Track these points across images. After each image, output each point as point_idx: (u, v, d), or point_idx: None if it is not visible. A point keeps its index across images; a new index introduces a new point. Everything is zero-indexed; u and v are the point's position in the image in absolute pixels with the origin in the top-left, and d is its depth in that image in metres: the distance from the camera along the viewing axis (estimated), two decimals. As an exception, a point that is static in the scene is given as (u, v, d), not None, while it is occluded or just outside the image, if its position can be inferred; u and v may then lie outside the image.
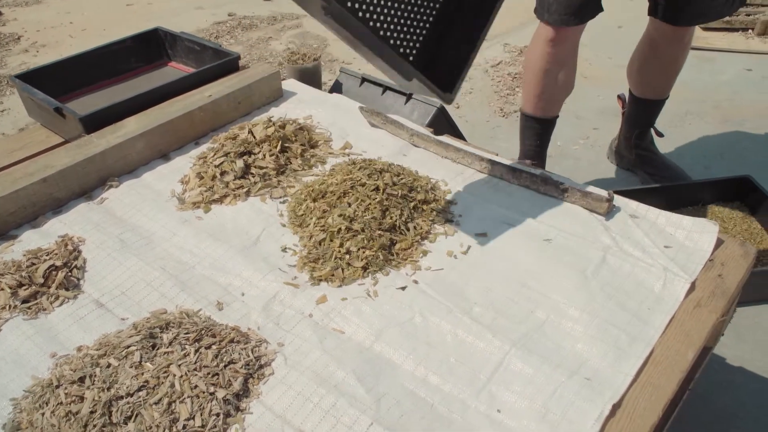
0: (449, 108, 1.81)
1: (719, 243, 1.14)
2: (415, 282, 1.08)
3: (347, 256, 1.11)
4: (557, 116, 2.01)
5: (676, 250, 1.12)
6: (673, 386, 0.90)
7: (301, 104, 1.63)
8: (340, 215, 1.15)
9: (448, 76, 1.04)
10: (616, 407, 0.87)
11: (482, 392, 0.90)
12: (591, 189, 1.23)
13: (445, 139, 1.44)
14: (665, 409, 0.88)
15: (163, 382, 0.87)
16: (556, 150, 2.35)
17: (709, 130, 2.43)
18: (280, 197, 1.29)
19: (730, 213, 1.92)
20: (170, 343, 0.93)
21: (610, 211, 1.21)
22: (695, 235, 1.15)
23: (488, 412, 0.87)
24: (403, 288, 1.07)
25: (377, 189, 1.20)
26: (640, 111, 2.15)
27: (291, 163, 1.38)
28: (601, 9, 1.78)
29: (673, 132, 2.36)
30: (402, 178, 1.25)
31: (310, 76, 1.85)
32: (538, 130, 2.03)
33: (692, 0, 1.76)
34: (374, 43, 0.96)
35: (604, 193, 1.22)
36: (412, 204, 1.21)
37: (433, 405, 0.89)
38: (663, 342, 0.97)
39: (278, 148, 1.37)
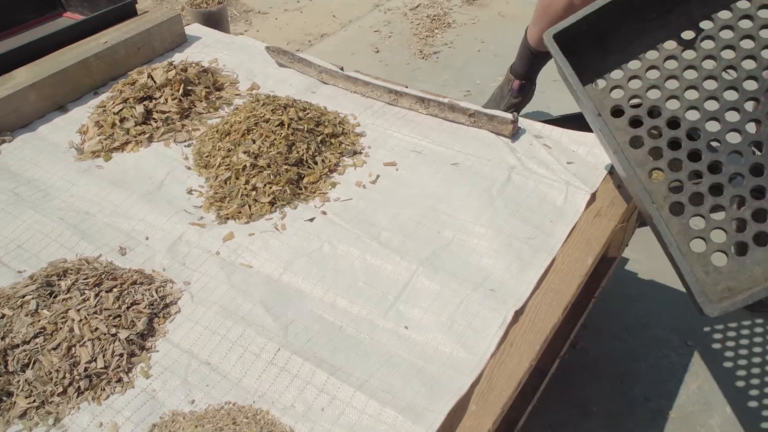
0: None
1: (619, 156, 1.17)
2: (324, 213, 1.08)
3: (253, 193, 1.09)
4: None
5: (578, 166, 1.15)
6: (573, 290, 0.93)
7: (207, 48, 1.58)
8: (244, 152, 1.13)
9: None
10: (518, 314, 0.90)
11: (390, 311, 0.91)
12: (496, 113, 1.25)
13: (354, 74, 1.42)
14: (565, 312, 0.91)
15: (61, 328, 0.84)
16: (475, 88, 2.36)
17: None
18: (185, 141, 1.25)
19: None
20: (68, 290, 0.90)
21: (515, 133, 1.23)
22: (596, 150, 1.18)
23: (396, 329, 0.89)
24: (312, 220, 1.06)
25: (282, 124, 1.17)
26: None
27: (195, 106, 1.33)
28: None
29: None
30: (308, 113, 1.23)
31: (216, 21, 1.78)
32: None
33: None
34: None
35: (509, 115, 1.23)
36: (319, 138, 1.19)
37: (341, 327, 0.89)
38: (564, 251, 0.99)
39: (180, 91, 1.32)
